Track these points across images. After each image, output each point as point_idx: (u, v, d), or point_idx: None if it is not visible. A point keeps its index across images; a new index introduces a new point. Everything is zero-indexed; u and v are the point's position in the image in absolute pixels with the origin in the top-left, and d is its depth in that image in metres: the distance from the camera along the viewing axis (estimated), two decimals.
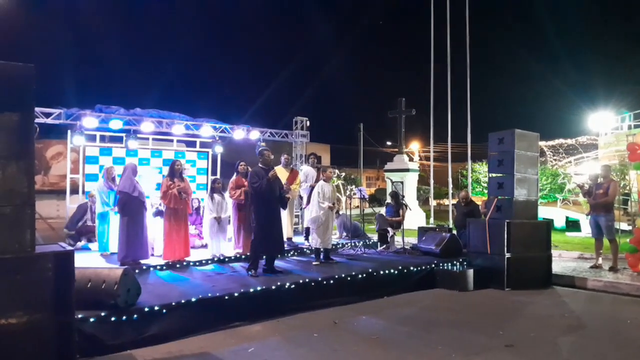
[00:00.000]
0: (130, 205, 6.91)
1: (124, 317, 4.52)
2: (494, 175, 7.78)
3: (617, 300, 6.47)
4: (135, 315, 4.60)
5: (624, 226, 11.71)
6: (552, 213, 14.52)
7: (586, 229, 12.03)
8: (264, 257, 6.76)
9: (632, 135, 10.22)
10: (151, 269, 6.91)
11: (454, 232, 9.01)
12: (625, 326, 5.26)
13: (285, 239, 9.16)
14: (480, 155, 20.20)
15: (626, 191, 13.00)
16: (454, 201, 13.51)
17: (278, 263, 7.29)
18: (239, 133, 11.89)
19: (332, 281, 6.27)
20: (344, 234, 10.36)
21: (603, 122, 17.65)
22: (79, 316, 4.15)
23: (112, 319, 4.45)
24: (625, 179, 13.11)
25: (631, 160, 8.28)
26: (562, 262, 8.66)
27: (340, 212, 11.17)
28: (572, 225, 14.09)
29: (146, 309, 4.70)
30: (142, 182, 7.41)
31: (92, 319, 4.33)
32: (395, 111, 16.24)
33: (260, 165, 6.80)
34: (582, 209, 14.11)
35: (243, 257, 7.75)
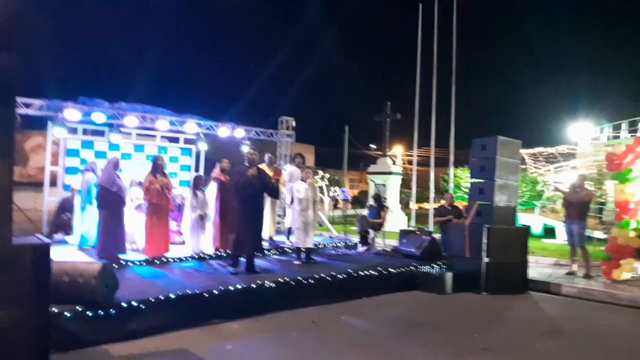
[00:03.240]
0: (109, 200, 6.82)
1: (101, 312, 4.47)
2: (475, 180, 7.88)
3: (590, 306, 6.61)
4: (112, 311, 4.55)
5: (599, 235, 11.98)
6: (530, 220, 14.75)
7: (562, 236, 12.27)
8: (245, 255, 6.74)
9: (610, 145, 10.46)
10: (130, 264, 6.84)
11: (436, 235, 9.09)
12: (599, 332, 5.38)
13: (267, 238, 9.20)
14: (462, 161, 20.39)
15: (602, 200, 13.29)
16: (436, 205, 13.63)
17: (260, 262, 7.29)
18: (223, 130, 11.84)
19: (312, 281, 6.29)
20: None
21: (582, 132, 17.99)
22: (55, 311, 4.10)
23: (89, 314, 4.40)
24: (601, 189, 13.41)
25: (609, 170, 8.48)
26: (539, 268, 8.81)
27: (322, 214, 11.19)
28: (549, 232, 14.34)
29: (124, 305, 4.65)
30: (124, 177, 7.34)
31: (68, 314, 4.28)
32: (381, 115, 16.32)
33: (246, 164, 6.82)
34: (559, 217, 14.36)
35: (223, 254, 7.72)
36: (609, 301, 6.70)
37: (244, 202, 6.66)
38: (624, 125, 16.04)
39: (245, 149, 11.66)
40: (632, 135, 14.86)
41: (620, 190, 7.92)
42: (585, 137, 17.71)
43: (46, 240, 4.01)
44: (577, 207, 8.03)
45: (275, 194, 7.54)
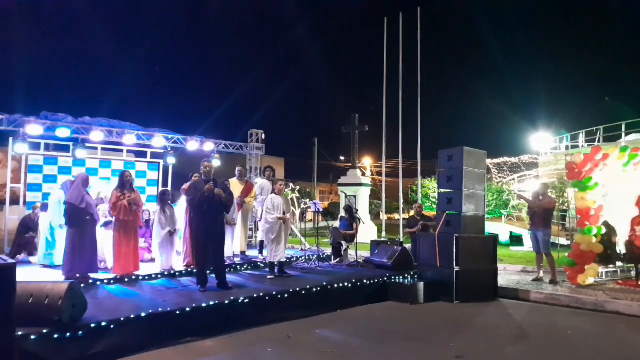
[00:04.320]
0: (77, 217, 6.64)
1: (69, 334, 4.32)
2: (443, 190, 8.03)
3: (557, 311, 6.80)
4: (80, 332, 4.40)
5: (563, 241, 12.39)
6: (497, 228, 15.11)
7: (529, 244, 12.61)
8: (213, 271, 6.63)
9: (570, 155, 10.85)
10: (99, 283, 6.65)
11: (407, 245, 9.19)
12: (566, 336, 5.53)
13: (239, 253, 9.10)
14: (429, 172, 20.79)
15: (564, 208, 13.77)
16: (406, 216, 13.81)
17: (232, 277, 7.20)
18: (192, 144, 11.73)
19: (286, 295, 6.24)
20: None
21: (543, 142, 18.64)
22: (20, 333, 3.94)
23: (56, 336, 4.24)
24: (564, 196, 13.88)
25: (569, 178, 8.79)
26: (507, 275, 9.02)
27: (294, 227, 11.15)
28: (516, 240, 14.72)
29: (93, 325, 4.51)
30: (92, 193, 7.16)
31: (33, 337, 4.11)
32: (349, 127, 16.51)
33: (203, 178, 6.72)
34: (525, 225, 14.76)
35: (194, 271, 7.57)
36: (575, 306, 6.92)
37: (203, 218, 6.55)
38: (582, 135, 16.72)
39: (216, 162, 11.58)
40: (589, 145, 15.50)
41: (581, 197, 8.23)
42: (546, 147, 18.36)
43: (10, 261, 3.87)
44: (541, 215, 8.28)
45: (226, 210, 7.11)
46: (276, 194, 7.73)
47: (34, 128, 8.95)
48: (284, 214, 7.59)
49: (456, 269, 7.23)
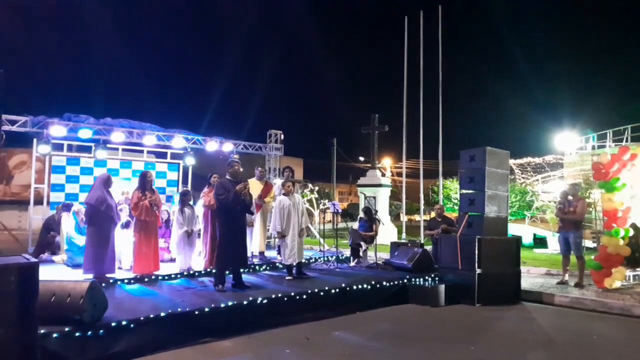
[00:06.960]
0: (97, 218, 6.69)
1: (90, 333, 4.35)
2: (465, 191, 7.88)
3: (583, 316, 6.61)
4: (101, 331, 4.43)
5: (589, 243, 12.09)
6: (520, 230, 14.82)
7: (553, 246, 12.34)
8: (231, 271, 6.63)
9: (596, 155, 10.58)
10: (119, 282, 6.71)
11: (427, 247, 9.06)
12: (592, 342, 5.37)
13: (258, 254, 9.10)
14: (451, 172, 20.56)
15: (590, 209, 13.43)
16: (426, 217, 13.65)
17: (250, 278, 7.21)
18: (211, 145, 11.79)
19: (304, 296, 6.20)
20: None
21: (568, 142, 18.24)
22: (42, 332, 3.98)
23: (77, 334, 4.28)
24: (589, 198, 13.55)
25: (596, 179, 8.56)
26: (530, 278, 8.82)
27: (312, 227, 11.10)
28: (539, 242, 14.41)
29: (113, 324, 4.54)
30: (116, 192, 7.26)
31: (55, 335, 4.15)
32: (369, 127, 16.40)
33: (228, 177, 6.71)
34: (548, 227, 14.44)
35: (213, 271, 7.60)
36: (601, 310, 6.72)
37: (232, 218, 6.55)
38: (609, 135, 16.31)
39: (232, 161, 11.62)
40: (616, 145, 15.10)
41: (607, 198, 8.00)
42: (571, 147, 17.96)
43: (33, 260, 3.91)
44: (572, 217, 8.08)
45: (250, 211, 7.20)
46: (284, 195, 7.68)
47: (57, 129, 9.11)
48: (302, 216, 7.55)
49: (478, 271, 7.08)
